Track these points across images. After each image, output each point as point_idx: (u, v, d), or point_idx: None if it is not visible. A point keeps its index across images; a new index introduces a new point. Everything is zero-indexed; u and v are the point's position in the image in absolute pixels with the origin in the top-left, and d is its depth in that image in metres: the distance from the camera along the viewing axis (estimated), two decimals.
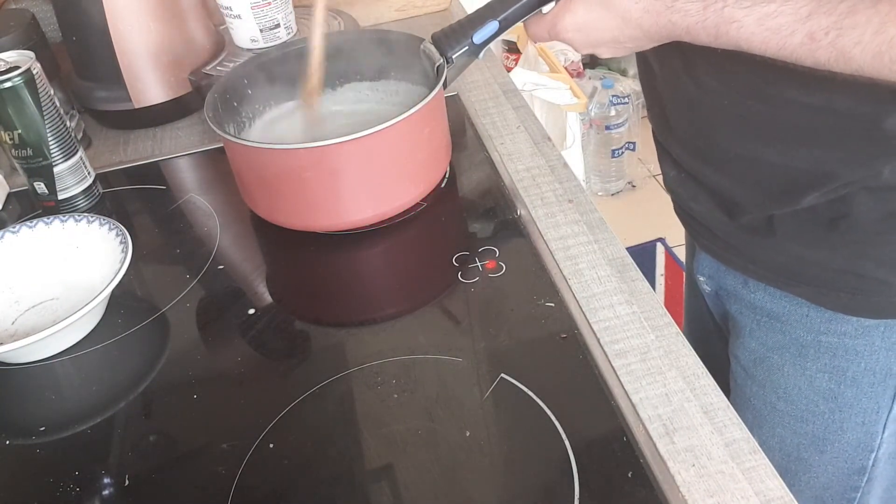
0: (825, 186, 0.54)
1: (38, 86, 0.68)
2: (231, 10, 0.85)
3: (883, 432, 0.65)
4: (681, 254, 1.91)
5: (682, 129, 0.62)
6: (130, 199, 0.78)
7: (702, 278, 0.73)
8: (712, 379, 0.51)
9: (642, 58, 0.64)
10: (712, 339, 0.79)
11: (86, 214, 0.66)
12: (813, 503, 0.72)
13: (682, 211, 0.68)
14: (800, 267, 0.60)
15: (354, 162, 0.63)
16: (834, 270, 0.58)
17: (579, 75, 2.41)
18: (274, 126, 0.78)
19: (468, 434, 0.49)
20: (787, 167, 0.54)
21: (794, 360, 0.65)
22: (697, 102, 0.57)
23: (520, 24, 0.64)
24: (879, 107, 0.49)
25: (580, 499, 0.44)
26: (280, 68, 0.76)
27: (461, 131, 0.80)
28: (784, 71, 0.50)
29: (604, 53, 0.55)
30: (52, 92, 0.70)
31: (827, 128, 0.51)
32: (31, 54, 0.69)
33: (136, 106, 0.85)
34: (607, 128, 2.11)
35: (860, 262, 0.57)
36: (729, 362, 0.73)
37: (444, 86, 0.68)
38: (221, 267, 0.67)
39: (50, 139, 0.69)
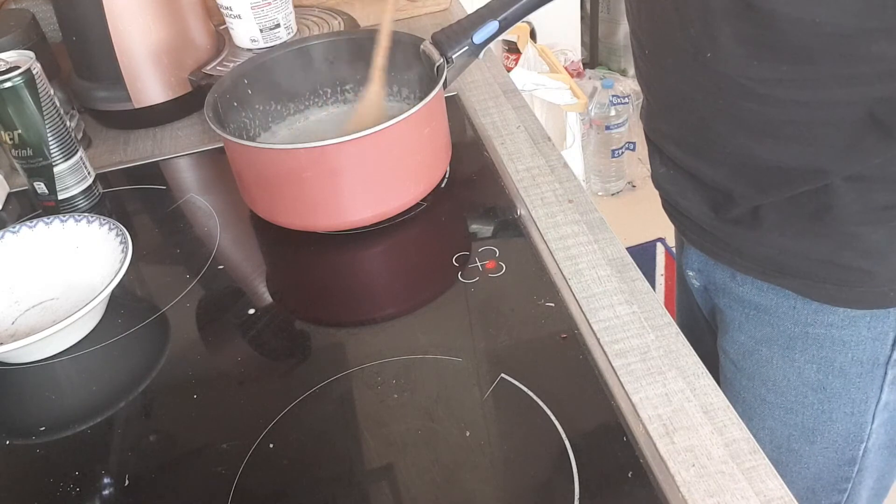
0: (818, 181, 0.55)
1: (38, 86, 0.68)
2: (231, 10, 0.85)
3: (872, 422, 0.66)
4: None
5: (675, 126, 0.62)
6: (130, 199, 0.78)
7: (691, 273, 0.74)
8: (712, 379, 0.51)
9: (638, 56, 0.64)
10: (702, 335, 0.80)
11: (86, 214, 0.66)
12: (805, 494, 0.73)
13: (670, 207, 0.69)
14: (786, 259, 0.60)
15: (354, 162, 0.63)
16: (819, 262, 0.59)
17: (579, 75, 2.41)
18: (276, 126, 0.78)
19: (468, 434, 0.49)
20: (781, 163, 0.55)
21: (782, 353, 0.66)
22: (690, 100, 0.58)
23: (520, 23, 0.64)
24: (871, 100, 0.49)
25: (580, 498, 0.44)
26: (280, 68, 0.76)
27: (461, 131, 0.80)
28: (775, 70, 0.50)
29: None
30: (52, 92, 0.70)
31: (819, 124, 0.51)
32: (31, 54, 0.69)
33: (136, 106, 0.85)
34: (607, 128, 2.11)
35: (844, 253, 0.57)
36: (718, 358, 0.74)
37: (444, 86, 0.68)
38: (221, 267, 0.67)
39: (50, 139, 0.69)
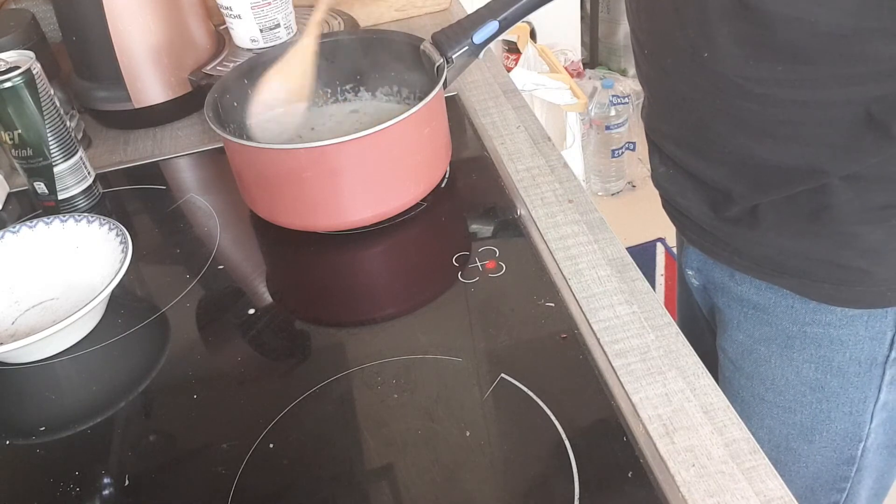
0: (816, 181, 0.55)
1: (38, 86, 0.68)
2: (231, 10, 0.85)
3: (871, 422, 0.66)
4: None
5: (675, 126, 0.62)
6: (130, 199, 0.78)
7: (690, 272, 0.74)
8: (712, 379, 0.51)
9: (638, 56, 0.64)
10: (702, 334, 0.80)
11: (86, 214, 0.66)
12: (804, 493, 0.73)
13: (669, 206, 0.69)
14: (784, 258, 0.60)
15: (354, 162, 0.63)
16: (817, 261, 0.59)
17: (579, 75, 2.41)
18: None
19: (468, 434, 0.49)
20: (779, 163, 0.55)
21: (780, 352, 0.66)
22: (690, 100, 0.58)
23: (520, 23, 0.64)
24: (869, 100, 0.49)
25: (580, 498, 0.44)
26: None
27: (461, 131, 0.80)
28: (773, 70, 0.50)
29: None
30: (52, 92, 0.70)
31: (816, 123, 0.52)
32: (31, 54, 0.69)
33: (136, 106, 0.85)
34: (607, 128, 2.11)
35: (842, 253, 0.57)
36: (718, 358, 0.74)
37: (444, 86, 0.68)
38: (221, 267, 0.67)
39: (50, 139, 0.69)
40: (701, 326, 0.80)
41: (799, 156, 0.54)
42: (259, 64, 0.75)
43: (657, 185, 0.69)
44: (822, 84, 0.49)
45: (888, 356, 0.62)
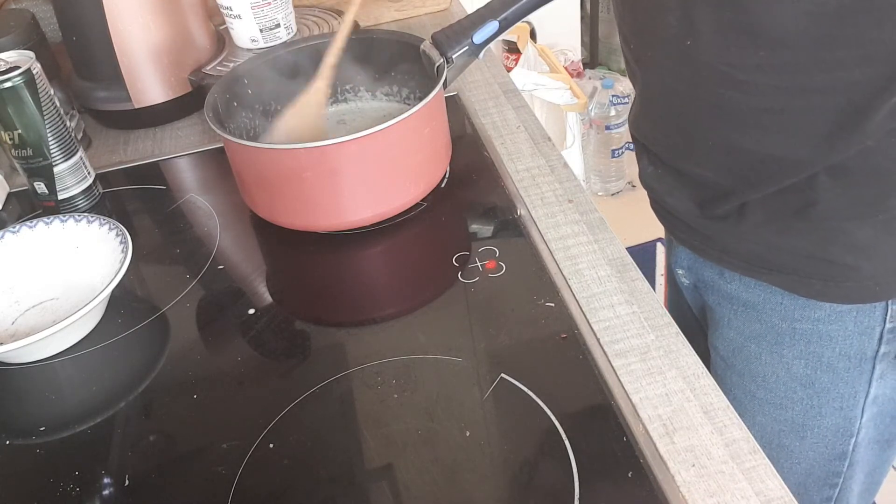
0: (801, 172, 0.55)
1: (38, 86, 0.68)
2: (231, 10, 0.85)
3: (861, 417, 0.66)
4: None
5: (661, 122, 0.62)
6: (130, 199, 0.78)
7: (680, 271, 0.74)
8: (712, 379, 0.51)
9: (626, 52, 0.64)
10: (694, 333, 0.80)
11: (86, 214, 0.66)
12: (796, 490, 0.73)
13: (658, 206, 0.69)
14: (772, 255, 0.60)
15: (354, 162, 0.63)
16: (805, 257, 0.59)
17: (579, 75, 2.41)
18: (275, 126, 0.78)
19: (468, 434, 0.49)
20: (763, 154, 0.55)
21: (770, 348, 0.66)
22: (672, 92, 0.58)
23: (520, 23, 0.64)
24: (849, 86, 0.49)
25: (580, 498, 0.44)
26: (280, 68, 0.76)
27: (461, 131, 0.80)
28: (754, 55, 0.50)
29: None
30: (52, 92, 0.70)
31: (799, 111, 0.52)
32: (31, 54, 0.69)
33: (136, 106, 0.85)
34: (607, 128, 2.11)
35: (829, 249, 0.57)
36: (709, 356, 0.74)
37: (444, 86, 0.68)
38: (221, 267, 0.67)
39: (50, 139, 0.69)
40: (692, 326, 0.80)
41: (782, 146, 0.54)
42: (259, 64, 0.75)
43: (645, 185, 0.69)
44: (804, 69, 0.49)
45: (877, 351, 0.62)
